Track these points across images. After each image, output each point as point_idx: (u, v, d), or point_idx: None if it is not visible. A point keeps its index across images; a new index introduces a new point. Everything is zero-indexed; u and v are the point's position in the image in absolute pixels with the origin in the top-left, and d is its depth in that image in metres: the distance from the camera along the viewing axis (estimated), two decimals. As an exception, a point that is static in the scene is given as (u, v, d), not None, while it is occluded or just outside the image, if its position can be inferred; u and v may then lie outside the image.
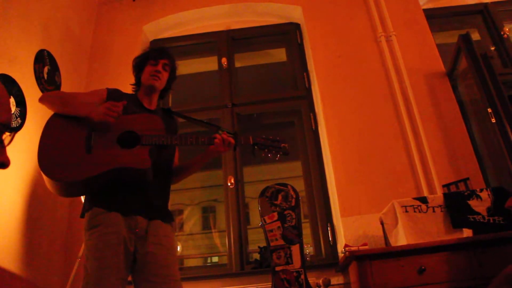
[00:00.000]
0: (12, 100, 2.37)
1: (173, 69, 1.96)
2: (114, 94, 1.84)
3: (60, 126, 1.66)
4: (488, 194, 2.12)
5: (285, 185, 2.60)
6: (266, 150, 1.77)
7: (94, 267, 1.48)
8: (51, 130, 1.66)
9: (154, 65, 1.88)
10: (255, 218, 3.36)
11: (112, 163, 1.57)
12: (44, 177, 1.55)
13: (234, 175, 3.03)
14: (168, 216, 1.76)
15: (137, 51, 3.42)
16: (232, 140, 1.73)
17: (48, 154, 1.59)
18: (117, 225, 1.55)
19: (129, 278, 1.60)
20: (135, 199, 1.64)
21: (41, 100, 1.74)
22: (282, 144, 1.78)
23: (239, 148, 2.66)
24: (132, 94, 1.95)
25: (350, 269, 2.24)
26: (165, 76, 1.91)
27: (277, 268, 2.39)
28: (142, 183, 1.64)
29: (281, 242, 2.44)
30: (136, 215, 1.62)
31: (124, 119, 1.68)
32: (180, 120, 2.10)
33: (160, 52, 1.92)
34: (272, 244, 2.45)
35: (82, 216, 1.66)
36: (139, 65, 1.93)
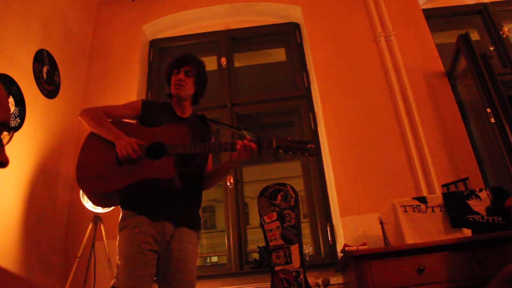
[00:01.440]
0: (11, 99, 2.37)
1: (198, 74, 1.96)
2: (148, 106, 1.91)
3: (96, 142, 1.76)
4: (487, 194, 2.12)
5: (285, 185, 2.60)
6: (290, 152, 1.74)
7: (123, 263, 1.59)
8: (89, 147, 1.77)
9: (177, 74, 1.92)
10: (255, 218, 3.36)
11: (138, 175, 1.64)
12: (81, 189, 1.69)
13: (234, 174, 3.03)
14: (195, 224, 1.81)
15: (137, 50, 3.44)
16: (254, 146, 1.72)
17: (84, 169, 1.70)
18: (144, 227, 1.64)
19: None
20: (163, 205, 1.71)
21: (80, 116, 1.82)
22: (309, 145, 1.74)
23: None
24: (166, 102, 2.01)
25: (349, 269, 2.24)
26: (189, 82, 1.92)
27: (276, 268, 2.39)
28: (170, 191, 1.70)
29: (280, 242, 2.44)
30: (164, 221, 1.69)
31: (154, 131, 1.77)
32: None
33: (181, 61, 1.94)
34: (271, 244, 2.45)
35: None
36: (167, 76, 1.98)
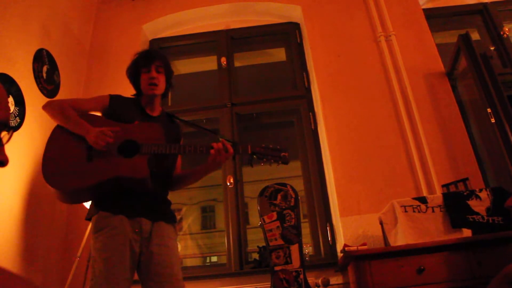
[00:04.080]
0: (11, 99, 2.37)
1: (167, 67, 1.91)
2: (116, 101, 1.85)
3: (64, 135, 1.71)
4: (488, 194, 2.12)
5: (284, 184, 2.60)
6: (265, 159, 1.75)
7: (102, 267, 1.52)
8: (56, 139, 1.71)
9: (148, 72, 1.84)
10: (255, 217, 3.36)
11: (111, 172, 1.61)
12: (49, 186, 1.60)
13: (233, 174, 3.03)
14: (171, 217, 1.80)
15: (136, 50, 3.38)
16: (231, 149, 1.72)
17: (51, 164, 1.63)
18: (123, 227, 1.60)
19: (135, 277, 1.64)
20: (138, 203, 1.68)
21: (44, 108, 1.76)
22: (282, 154, 1.76)
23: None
24: (135, 98, 1.94)
25: (349, 269, 2.24)
26: (161, 78, 1.87)
27: (276, 268, 2.39)
28: (142, 190, 1.68)
29: (280, 242, 2.44)
30: (140, 217, 1.66)
31: (126, 128, 1.72)
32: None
33: (148, 57, 1.87)
34: (271, 244, 2.45)
35: (89, 219, 1.72)
36: (134, 75, 1.90)
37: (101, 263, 1.53)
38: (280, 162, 1.76)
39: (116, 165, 1.63)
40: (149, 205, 1.70)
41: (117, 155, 1.66)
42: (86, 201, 1.84)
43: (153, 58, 1.87)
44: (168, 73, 1.92)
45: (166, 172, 1.85)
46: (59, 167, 1.63)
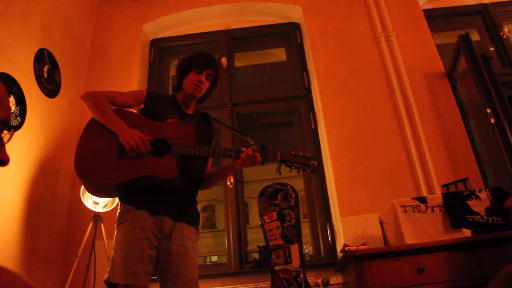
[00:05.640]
0: (12, 99, 2.37)
1: (216, 79, 1.95)
2: (153, 96, 1.86)
3: (98, 130, 1.72)
4: (487, 194, 2.12)
5: (285, 184, 2.60)
6: (293, 167, 1.73)
7: (120, 259, 1.54)
8: (90, 134, 1.72)
9: (198, 74, 1.86)
10: (255, 217, 3.36)
11: (140, 171, 1.62)
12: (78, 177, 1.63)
13: (234, 174, 3.03)
14: (194, 219, 1.80)
15: (137, 50, 3.44)
16: (259, 157, 1.71)
17: (84, 158, 1.66)
18: (144, 221, 1.61)
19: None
20: (162, 201, 1.69)
21: (82, 98, 1.76)
22: (312, 162, 1.74)
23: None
24: (171, 95, 1.96)
25: (349, 268, 2.24)
26: (206, 85, 1.90)
27: (276, 268, 2.39)
28: (169, 189, 1.69)
29: (280, 241, 2.44)
30: (163, 215, 1.66)
31: (157, 125, 1.74)
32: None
33: (206, 62, 1.89)
34: (271, 243, 2.45)
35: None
36: (184, 69, 1.91)
37: (119, 255, 1.55)
38: (309, 170, 1.74)
39: (146, 164, 1.64)
40: (173, 205, 1.71)
41: (147, 153, 1.66)
42: (114, 196, 1.87)
43: (209, 65, 1.89)
44: (214, 84, 1.96)
45: (196, 172, 1.85)
46: (91, 162, 1.65)
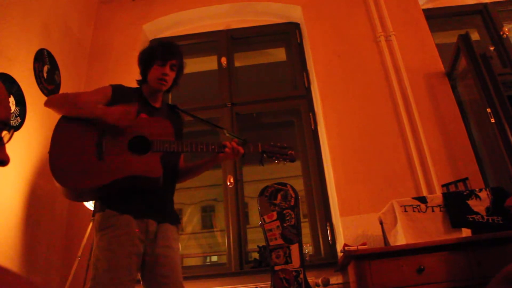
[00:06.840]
0: (11, 99, 2.37)
1: (180, 67, 1.87)
2: (119, 91, 1.79)
3: (70, 130, 1.62)
4: (487, 194, 2.12)
5: (285, 184, 2.60)
6: (273, 157, 1.78)
7: (105, 267, 1.49)
8: (62, 135, 1.61)
9: (162, 66, 1.78)
10: (255, 217, 3.36)
11: (124, 171, 1.56)
12: (56, 183, 1.53)
13: (234, 174, 3.03)
14: (175, 218, 1.78)
15: (137, 50, 3.40)
16: (242, 150, 1.72)
17: (60, 161, 1.55)
18: (129, 227, 1.56)
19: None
20: (146, 203, 1.65)
21: (47, 103, 1.66)
22: (290, 152, 1.81)
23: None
24: (137, 88, 1.88)
25: (349, 268, 2.24)
26: (172, 76, 1.82)
27: (276, 268, 2.39)
28: (152, 189, 1.65)
29: (280, 241, 2.44)
30: (147, 218, 1.63)
31: (134, 122, 1.66)
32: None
33: (168, 52, 1.80)
34: (271, 243, 2.45)
35: (94, 215, 1.70)
36: (146, 62, 1.83)
37: (105, 263, 1.49)
38: (287, 160, 1.79)
39: (129, 163, 1.58)
40: (156, 206, 1.68)
41: (128, 152, 1.60)
42: (94, 199, 1.77)
43: (171, 56, 1.80)
44: (179, 73, 1.88)
45: (174, 169, 1.81)
46: (68, 164, 1.55)
